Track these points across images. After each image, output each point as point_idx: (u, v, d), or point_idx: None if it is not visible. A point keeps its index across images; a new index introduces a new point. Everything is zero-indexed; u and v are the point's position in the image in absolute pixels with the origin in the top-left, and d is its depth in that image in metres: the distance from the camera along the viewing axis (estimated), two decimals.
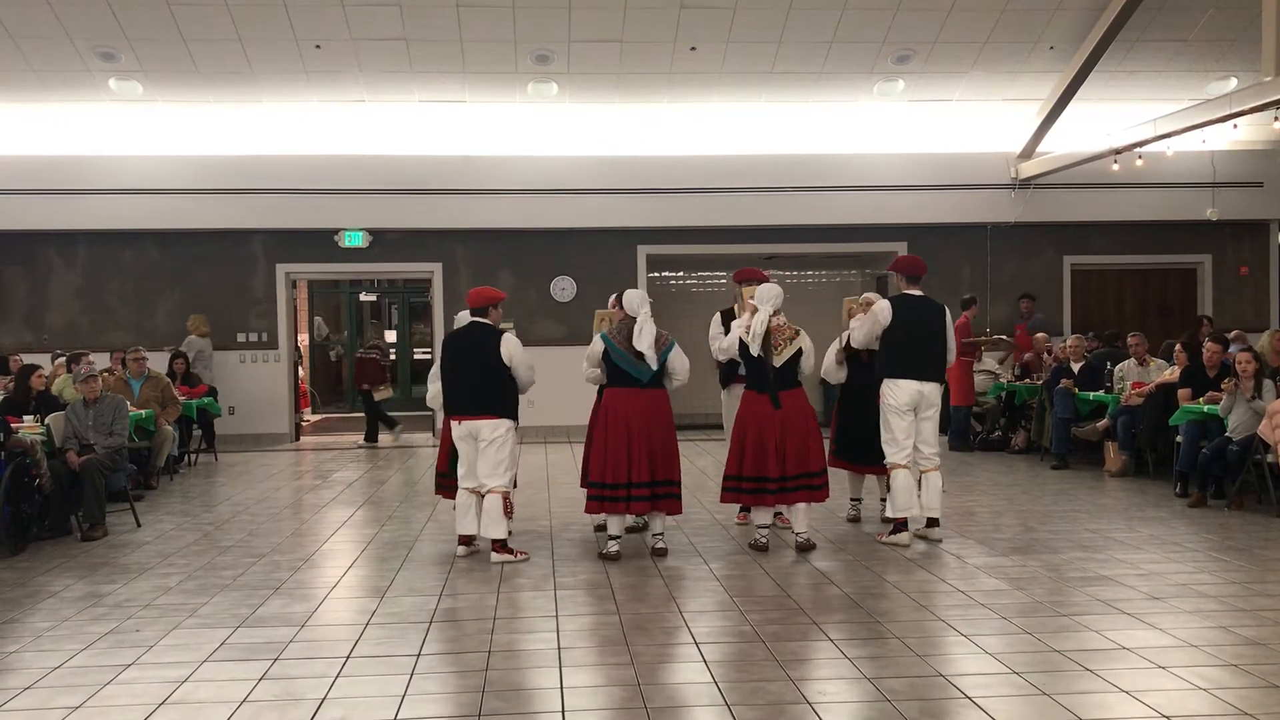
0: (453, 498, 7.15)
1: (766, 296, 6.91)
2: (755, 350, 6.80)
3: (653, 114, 13.16)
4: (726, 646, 4.93)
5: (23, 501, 7.41)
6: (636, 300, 6.87)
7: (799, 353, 6.83)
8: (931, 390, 7.03)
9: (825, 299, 15.03)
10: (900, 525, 7.00)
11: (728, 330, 7.48)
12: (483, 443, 6.69)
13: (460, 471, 6.84)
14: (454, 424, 6.83)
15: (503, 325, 7.01)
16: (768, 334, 6.80)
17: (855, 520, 7.95)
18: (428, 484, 10.08)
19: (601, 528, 7.35)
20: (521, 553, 6.83)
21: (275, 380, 14.01)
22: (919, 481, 7.03)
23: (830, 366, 7.67)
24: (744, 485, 6.87)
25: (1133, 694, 4.22)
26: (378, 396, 13.34)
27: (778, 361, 6.79)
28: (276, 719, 4.09)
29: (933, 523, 7.14)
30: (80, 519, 7.80)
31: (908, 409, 6.97)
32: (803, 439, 6.76)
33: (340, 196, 13.46)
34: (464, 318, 7.09)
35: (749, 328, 6.83)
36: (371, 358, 13.62)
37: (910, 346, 7.01)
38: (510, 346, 6.73)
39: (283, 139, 13.25)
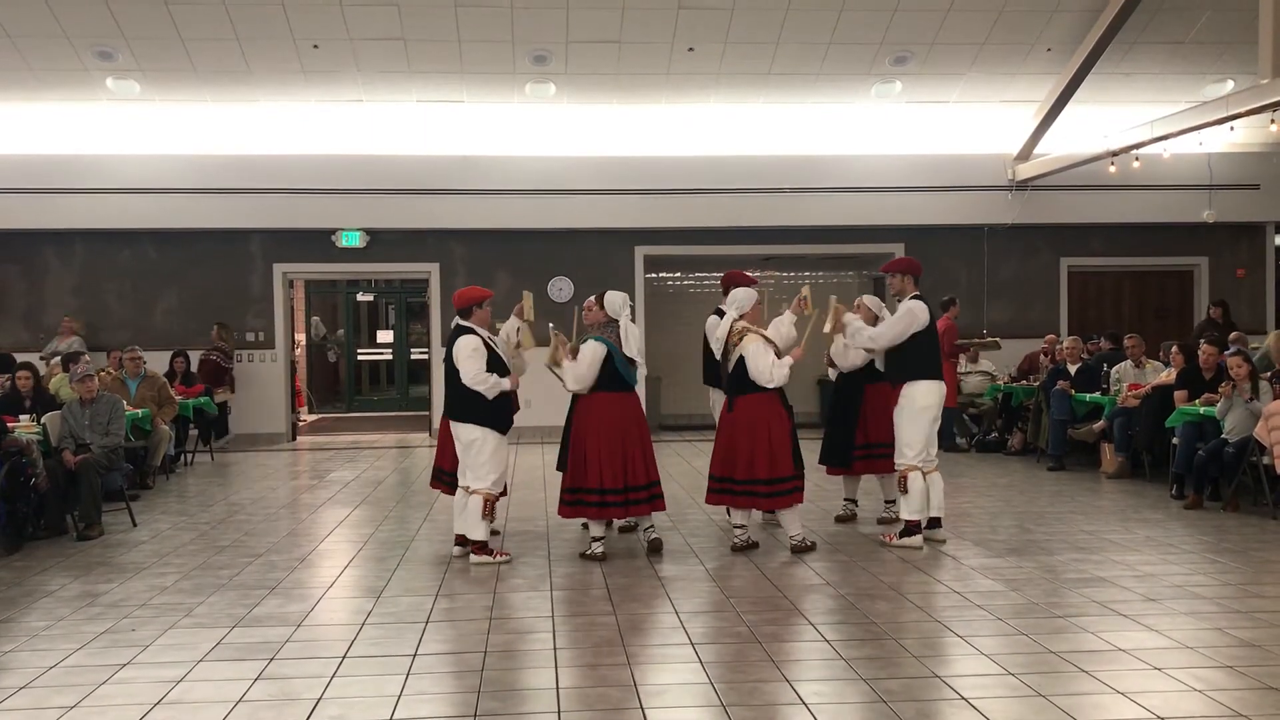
0: (447, 491, 7.23)
1: (733, 301, 6.95)
2: (718, 353, 6.85)
3: (650, 115, 13.16)
4: (722, 647, 4.93)
5: (19, 501, 7.42)
6: (619, 303, 6.82)
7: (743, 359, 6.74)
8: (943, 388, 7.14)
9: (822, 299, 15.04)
10: (912, 528, 6.96)
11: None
12: (461, 444, 6.69)
13: (459, 470, 6.86)
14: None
15: (524, 294, 7.07)
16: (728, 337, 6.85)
17: (848, 519, 7.97)
18: (425, 482, 10.09)
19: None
20: (503, 554, 6.77)
21: (272, 380, 14.00)
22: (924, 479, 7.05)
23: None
24: (711, 485, 6.92)
25: (1128, 695, 4.22)
26: (218, 399, 13.12)
27: (728, 366, 6.81)
28: (272, 719, 4.09)
29: (935, 522, 7.13)
30: (76, 518, 7.79)
31: (938, 409, 6.99)
32: (750, 445, 6.66)
33: (337, 196, 13.45)
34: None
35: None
36: (212, 359, 13.31)
37: (933, 348, 7.07)
38: (458, 345, 6.56)
39: (280, 139, 13.24)
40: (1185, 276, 14.97)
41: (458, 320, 6.78)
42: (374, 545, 7.35)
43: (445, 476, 7.36)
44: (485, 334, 6.72)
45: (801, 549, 6.81)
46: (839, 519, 7.96)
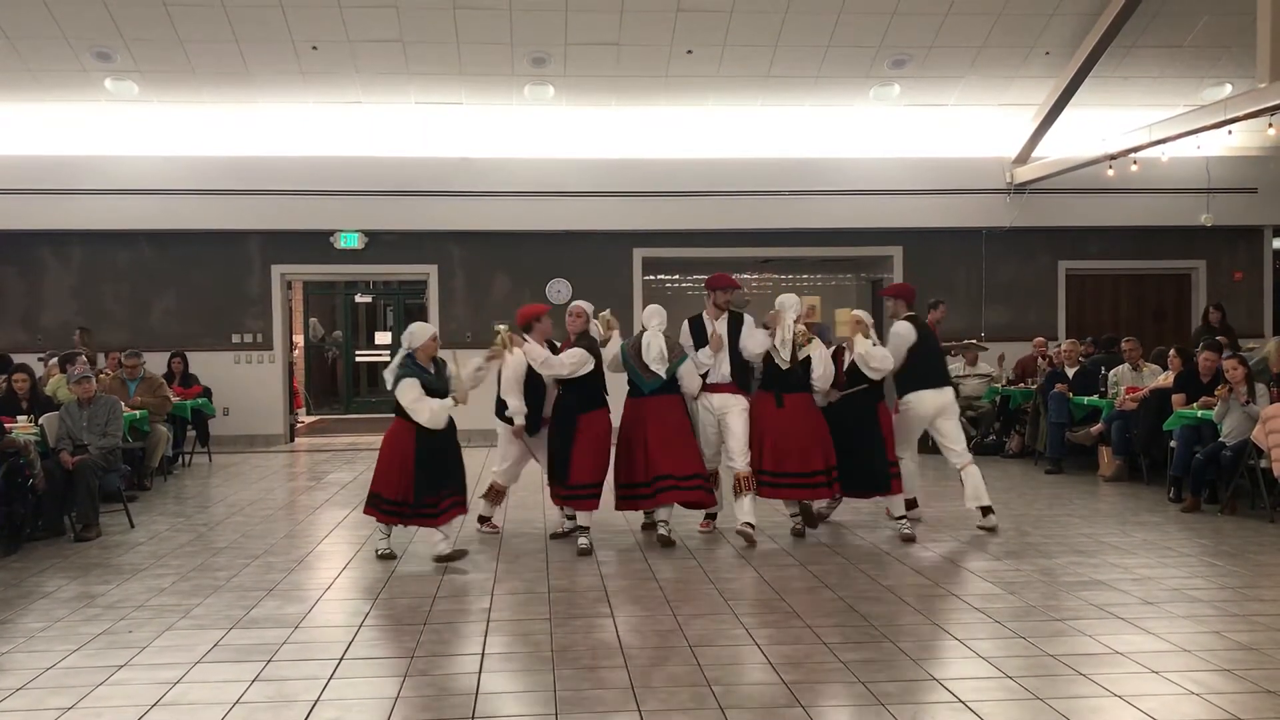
0: (384, 520, 6.84)
1: (791, 304, 7.29)
2: (784, 353, 7.19)
3: (649, 117, 13.16)
4: (720, 650, 4.93)
5: (16, 502, 7.41)
6: (649, 313, 7.38)
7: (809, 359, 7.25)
8: (951, 395, 7.83)
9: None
10: (910, 504, 7.65)
11: (696, 338, 7.48)
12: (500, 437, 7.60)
13: None
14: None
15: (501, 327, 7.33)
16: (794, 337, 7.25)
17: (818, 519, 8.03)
18: None
19: (650, 526, 7.63)
20: (492, 525, 7.76)
21: (270, 381, 13.99)
22: (960, 478, 7.68)
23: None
24: (763, 479, 7.30)
25: (1126, 699, 4.23)
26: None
27: (786, 365, 7.20)
28: None
29: (988, 511, 7.61)
30: (74, 519, 7.79)
31: (932, 417, 7.69)
32: (808, 438, 7.16)
33: (336, 198, 13.45)
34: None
35: (778, 334, 7.23)
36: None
37: (930, 362, 7.74)
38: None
39: (278, 140, 13.23)
40: (1183, 280, 14.98)
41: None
42: (371, 547, 7.34)
43: (375, 500, 6.86)
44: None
45: (799, 533, 7.40)
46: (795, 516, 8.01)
